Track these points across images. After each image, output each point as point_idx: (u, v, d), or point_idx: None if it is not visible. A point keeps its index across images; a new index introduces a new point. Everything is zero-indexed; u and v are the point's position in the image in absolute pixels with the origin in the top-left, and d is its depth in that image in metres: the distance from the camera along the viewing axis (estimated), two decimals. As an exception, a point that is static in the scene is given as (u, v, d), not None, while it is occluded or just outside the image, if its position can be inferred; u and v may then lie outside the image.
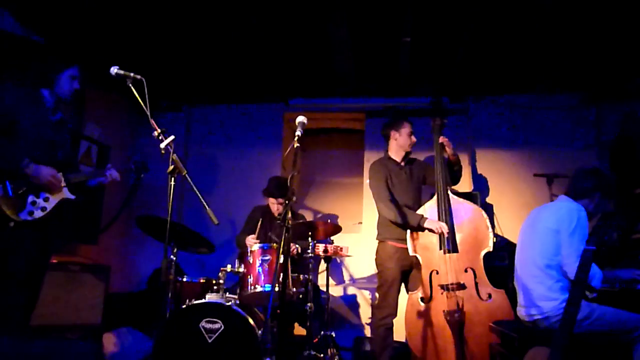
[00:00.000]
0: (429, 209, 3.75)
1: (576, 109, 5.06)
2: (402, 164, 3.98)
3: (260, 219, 4.29)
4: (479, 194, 4.66)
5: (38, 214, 2.94)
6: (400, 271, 3.75)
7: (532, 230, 3.06)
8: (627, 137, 4.63)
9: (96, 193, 4.56)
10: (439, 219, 3.66)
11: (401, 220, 3.66)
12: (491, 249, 3.57)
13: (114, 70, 2.69)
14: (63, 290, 3.82)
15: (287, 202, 2.42)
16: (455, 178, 3.97)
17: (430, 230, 3.59)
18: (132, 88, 2.67)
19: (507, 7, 3.72)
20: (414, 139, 3.97)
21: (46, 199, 2.98)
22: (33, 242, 2.97)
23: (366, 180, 4.77)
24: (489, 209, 4.76)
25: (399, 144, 3.96)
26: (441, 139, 3.88)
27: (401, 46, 4.22)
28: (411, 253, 3.66)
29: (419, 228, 3.64)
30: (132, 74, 2.68)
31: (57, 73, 3.08)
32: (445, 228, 3.57)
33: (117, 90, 4.80)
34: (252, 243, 3.84)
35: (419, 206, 3.84)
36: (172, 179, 2.68)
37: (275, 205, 4.41)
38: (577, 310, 2.27)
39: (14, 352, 2.35)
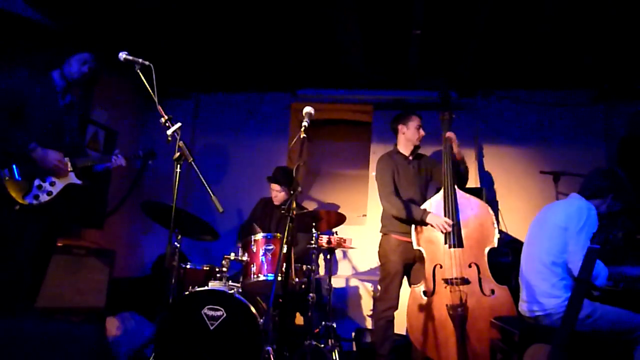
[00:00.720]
0: (435, 203, 3.74)
1: (585, 106, 5.01)
2: (410, 158, 3.96)
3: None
4: (484, 189, 4.64)
5: (44, 198, 2.96)
6: (403, 264, 3.75)
7: (540, 226, 3.05)
8: (635, 136, 4.59)
9: (103, 178, 4.57)
10: (445, 214, 3.65)
11: (404, 215, 3.65)
12: (495, 246, 3.57)
13: (122, 55, 2.69)
14: (68, 274, 3.85)
15: (292, 192, 2.43)
16: (462, 177, 3.93)
17: (431, 225, 3.59)
18: (140, 74, 2.67)
19: (517, 3, 3.69)
20: (422, 132, 3.94)
21: (52, 184, 3.00)
22: (38, 225, 2.99)
23: (372, 173, 4.76)
24: (494, 205, 4.75)
25: (406, 138, 3.94)
26: (448, 134, 3.87)
27: (411, 39, 4.19)
28: (415, 246, 3.66)
29: (421, 222, 3.63)
30: (140, 60, 2.69)
31: (69, 55, 3.10)
32: (448, 227, 3.55)
33: (125, 76, 4.81)
34: None
35: (424, 201, 3.83)
36: (178, 165, 2.69)
37: (274, 192, 4.41)
38: (579, 308, 2.26)
39: (18, 333, 2.37)
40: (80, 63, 3.11)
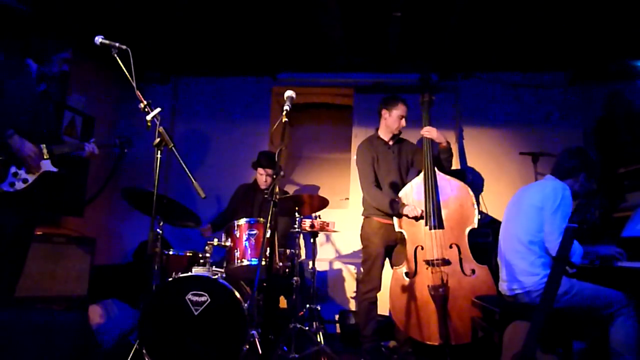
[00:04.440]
0: (415, 186, 3.78)
1: (563, 88, 5.08)
2: (391, 143, 3.97)
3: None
4: (464, 171, 4.69)
5: (19, 185, 2.90)
6: (385, 246, 3.79)
7: (517, 207, 3.11)
8: (611, 117, 4.68)
9: (81, 165, 4.50)
10: (425, 195, 3.69)
11: (383, 208, 3.71)
12: (476, 226, 3.62)
13: (98, 39, 2.63)
14: (48, 262, 3.81)
15: (274, 176, 2.42)
16: (446, 164, 3.95)
17: (407, 216, 3.63)
18: (117, 58, 2.62)
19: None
20: (403, 122, 3.91)
21: (28, 171, 2.94)
22: (14, 213, 2.93)
23: (353, 157, 4.76)
24: (474, 186, 4.80)
25: (387, 124, 3.94)
26: (427, 134, 3.86)
27: (391, 21, 4.18)
28: (397, 229, 3.70)
29: (398, 215, 3.68)
30: (117, 44, 2.63)
31: (51, 54, 3.02)
32: (418, 211, 3.59)
33: (102, 61, 4.71)
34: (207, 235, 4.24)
35: (403, 185, 3.86)
36: (159, 151, 2.66)
37: (263, 177, 4.38)
38: (557, 285, 2.31)
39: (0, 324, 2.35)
40: (61, 62, 3.05)
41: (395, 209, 3.66)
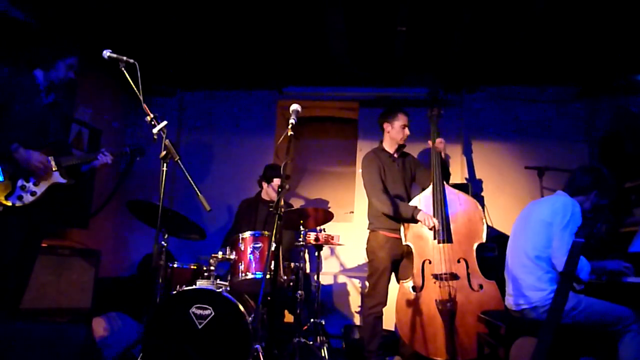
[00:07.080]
0: (424, 199, 3.76)
1: (569, 102, 5.08)
2: (395, 155, 3.97)
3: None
4: (470, 185, 4.68)
5: (28, 198, 2.91)
6: (391, 260, 3.77)
7: (526, 221, 3.09)
8: (617, 131, 4.66)
9: (87, 176, 4.53)
10: (433, 209, 3.67)
11: (394, 213, 3.66)
12: (484, 241, 3.60)
13: (106, 53, 2.65)
14: (53, 274, 3.80)
15: (280, 189, 2.42)
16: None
17: (421, 222, 3.61)
18: (125, 72, 2.64)
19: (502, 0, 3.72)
20: (407, 131, 3.92)
21: (36, 184, 2.95)
22: (22, 226, 2.94)
23: (358, 170, 4.77)
24: (480, 200, 4.79)
25: (391, 136, 3.94)
26: (438, 145, 3.89)
27: (396, 35, 4.21)
28: (404, 242, 3.68)
29: (412, 220, 3.64)
30: (124, 58, 2.65)
31: (57, 58, 3.04)
32: (437, 223, 3.58)
33: (109, 74, 4.76)
34: None
35: (410, 199, 3.85)
36: (165, 164, 2.66)
37: (270, 189, 4.37)
38: (564, 301, 2.29)
39: (3, 335, 2.34)
40: (67, 68, 3.07)
41: (408, 212, 3.63)
